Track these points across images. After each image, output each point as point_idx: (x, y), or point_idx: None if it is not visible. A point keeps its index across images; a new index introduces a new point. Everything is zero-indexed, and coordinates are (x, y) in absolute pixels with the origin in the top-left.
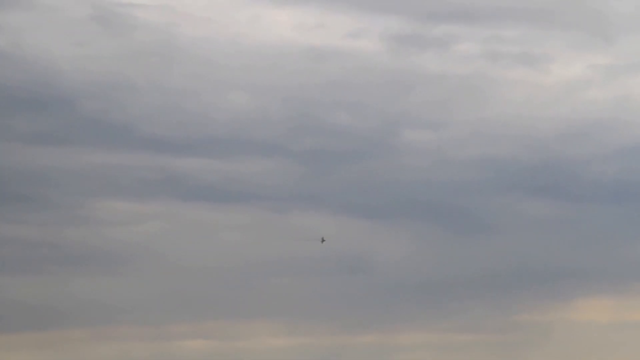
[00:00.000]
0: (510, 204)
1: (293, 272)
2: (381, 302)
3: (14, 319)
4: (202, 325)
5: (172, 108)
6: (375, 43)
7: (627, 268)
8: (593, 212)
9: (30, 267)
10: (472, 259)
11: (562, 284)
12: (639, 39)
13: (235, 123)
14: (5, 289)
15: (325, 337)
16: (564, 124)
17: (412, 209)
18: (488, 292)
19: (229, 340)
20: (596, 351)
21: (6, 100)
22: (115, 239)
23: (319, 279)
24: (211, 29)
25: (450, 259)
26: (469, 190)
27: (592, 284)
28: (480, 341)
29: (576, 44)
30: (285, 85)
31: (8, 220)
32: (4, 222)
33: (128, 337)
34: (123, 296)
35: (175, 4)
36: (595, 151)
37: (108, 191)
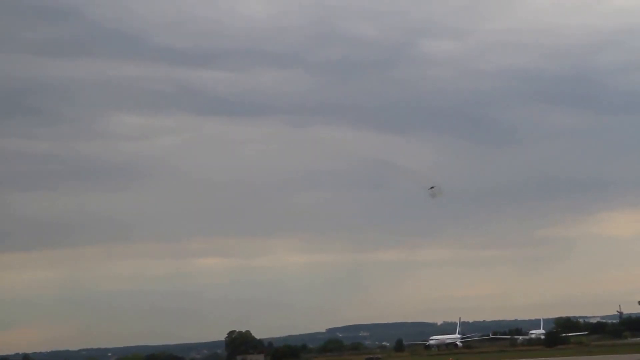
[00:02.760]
0: (536, 115)
1: (313, 187)
2: (403, 217)
3: (27, 236)
4: (219, 242)
5: (186, 17)
6: None
7: None
8: (622, 123)
9: (42, 182)
10: (496, 171)
11: (586, 197)
12: None
13: (251, 33)
14: (17, 205)
15: (345, 254)
16: (593, 31)
17: (434, 120)
18: (511, 205)
19: (247, 258)
20: (619, 265)
21: (13, 9)
22: (130, 153)
23: (340, 194)
24: None
25: (472, 172)
26: (493, 101)
27: (616, 197)
28: (504, 256)
29: None
30: None
31: (18, 135)
32: (14, 137)
33: (143, 254)
34: (138, 212)
35: None
36: (626, 60)
37: (122, 104)
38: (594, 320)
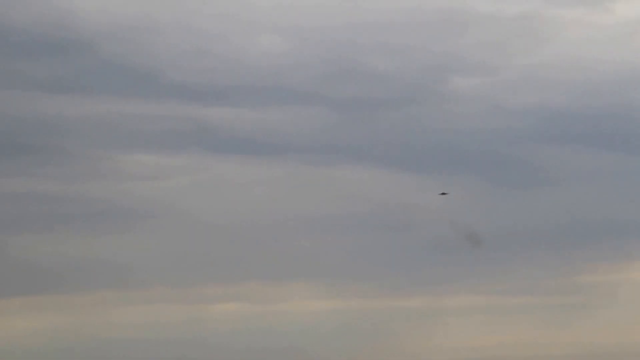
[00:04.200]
0: (568, 155)
1: (331, 230)
2: (428, 262)
3: (35, 280)
4: (235, 287)
5: (200, 52)
6: None
7: None
8: None
9: (50, 225)
10: (527, 214)
11: (625, 241)
12: None
13: (268, 69)
14: (24, 249)
15: (366, 301)
16: (626, 68)
17: (461, 160)
18: (544, 250)
19: (265, 304)
20: None
21: (21, 44)
22: (141, 194)
23: (361, 237)
24: None
25: (502, 215)
26: (523, 140)
27: None
28: (536, 304)
29: None
30: (322, 26)
31: (25, 174)
32: (20, 176)
33: (157, 299)
34: (150, 256)
35: None
36: None
37: (132, 143)
38: None
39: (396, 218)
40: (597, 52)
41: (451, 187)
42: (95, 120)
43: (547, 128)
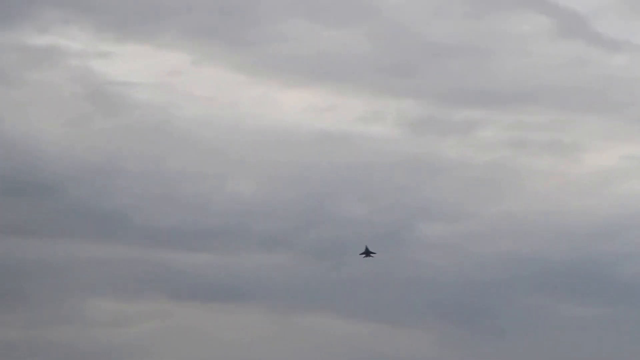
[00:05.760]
0: (538, 305)
1: None
2: None
3: None
4: None
5: (166, 196)
6: (390, 128)
7: None
8: (628, 315)
9: None
10: None
11: None
12: None
13: (235, 213)
14: None
15: None
16: (596, 219)
17: (430, 310)
18: None
19: None
20: None
21: None
22: (104, 340)
23: None
24: (214, 110)
25: None
26: (493, 290)
27: None
28: None
29: (610, 131)
30: (292, 172)
31: None
32: None
33: None
34: None
35: (175, 82)
36: (631, 249)
37: (96, 288)
38: None
39: None
40: (566, 202)
41: (418, 336)
42: (57, 265)
43: (515, 278)
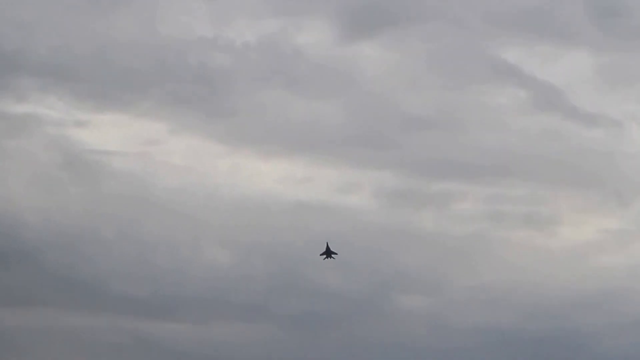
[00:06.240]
0: None
1: None
2: None
3: None
4: None
5: (143, 263)
6: (367, 199)
7: None
8: None
9: None
10: None
11: None
12: None
13: (214, 283)
14: None
15: None
16: (572, 292)
17: None
18: None
19: None
20: None
21: None
22: None
23: None
24: (190, 179)
25: None
26: None
27: None
28: None
29: (587, 205)
30: (269, 242)
31: None
32: None
33: None
34: None
35: (152, 151)
36: (607, 323)
37: (71, 356)
38: None
39: None
40: (542, 275)
41: None
42: (33, 332)
43: (492, 349)
